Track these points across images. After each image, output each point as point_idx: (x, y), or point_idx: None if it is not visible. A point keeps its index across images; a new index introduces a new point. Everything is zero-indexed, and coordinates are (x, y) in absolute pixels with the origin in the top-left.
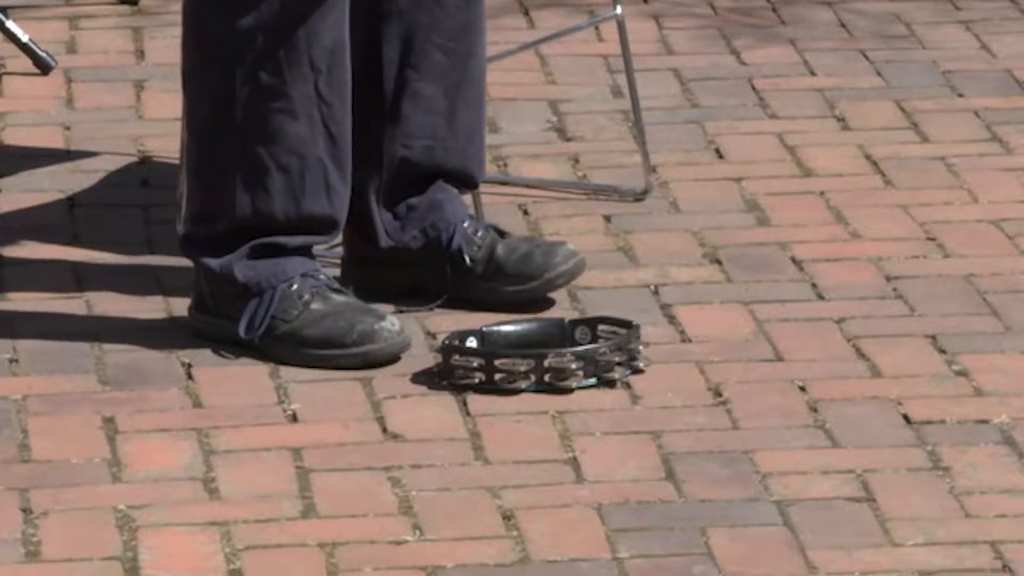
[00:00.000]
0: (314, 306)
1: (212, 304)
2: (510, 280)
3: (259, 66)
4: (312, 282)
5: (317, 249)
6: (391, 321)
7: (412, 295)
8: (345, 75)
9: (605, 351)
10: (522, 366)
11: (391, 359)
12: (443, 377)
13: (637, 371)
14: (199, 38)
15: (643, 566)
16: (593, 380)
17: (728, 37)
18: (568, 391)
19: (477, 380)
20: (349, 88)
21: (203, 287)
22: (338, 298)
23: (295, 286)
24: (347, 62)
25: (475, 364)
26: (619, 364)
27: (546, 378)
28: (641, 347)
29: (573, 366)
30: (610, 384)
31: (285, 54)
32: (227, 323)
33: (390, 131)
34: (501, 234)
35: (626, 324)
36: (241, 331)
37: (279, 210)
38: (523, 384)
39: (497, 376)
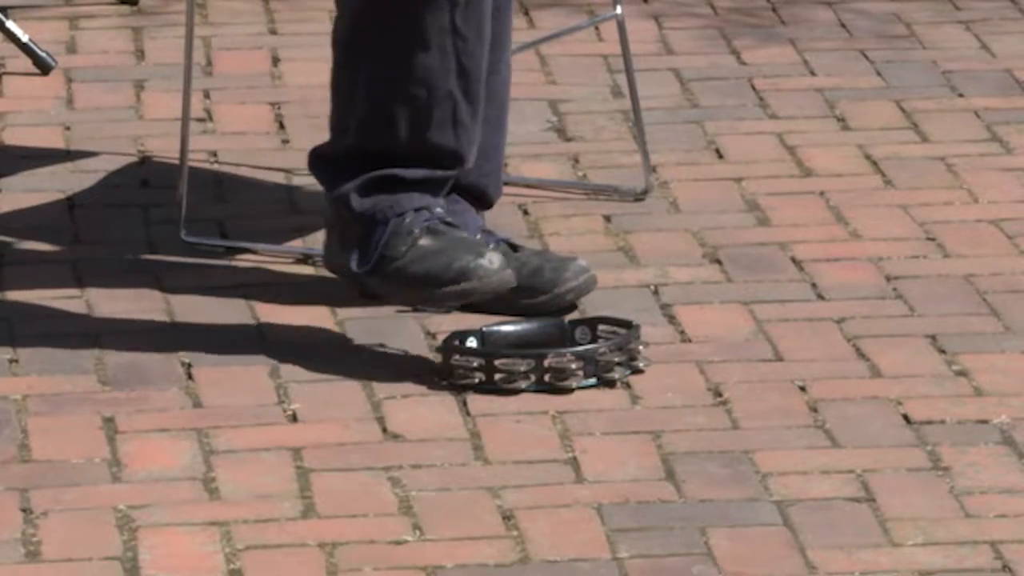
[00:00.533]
0: (422, 242)
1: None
2: (520, 293)
3: None
4: (425, 215)
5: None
6: (490, 259)
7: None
8: (484, 9)
9: (605, 351)
10: (522, 366)
11: (489, 296)
12: (443, 377)
13: (637, 371)
14: None
15: (643, 566)
16: (593, 380)
17: (728, 37)
18: (568, 391)
19: (477, 380)
20: (488, 23)
21: (336, 218)
22: (449, 232)
23: (407, 219)
24: None
25: (475, 364)
26: (619, 364)
27: (546, 378)
28: (641, 347)
29: (573, 366)
30: (610, 384)
31: None
32: (344, 254)
33: None
34: (514, 248)
35: (626, 324)
36: (353, 265)
37: (402, 140)
38: (523, 384)
39: (497, 376)
